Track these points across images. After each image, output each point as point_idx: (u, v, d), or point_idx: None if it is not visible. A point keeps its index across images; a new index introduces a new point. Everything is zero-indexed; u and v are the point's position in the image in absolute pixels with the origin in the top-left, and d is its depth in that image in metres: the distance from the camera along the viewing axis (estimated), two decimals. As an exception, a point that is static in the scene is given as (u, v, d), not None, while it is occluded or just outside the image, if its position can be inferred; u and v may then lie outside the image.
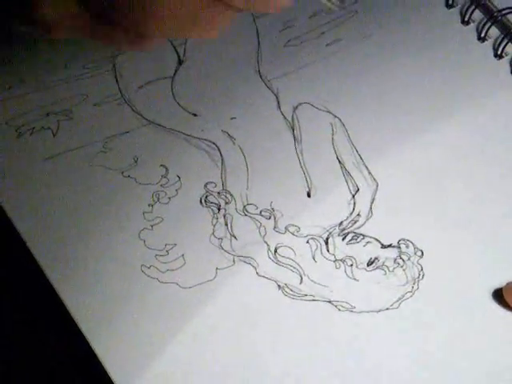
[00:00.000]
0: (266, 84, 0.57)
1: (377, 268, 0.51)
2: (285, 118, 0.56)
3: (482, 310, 0.50)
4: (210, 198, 0.52)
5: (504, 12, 0.60)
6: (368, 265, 0.51)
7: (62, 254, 0.50)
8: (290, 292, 0.50)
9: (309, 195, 0.53)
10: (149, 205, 0.52)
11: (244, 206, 0.52)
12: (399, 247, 0.51)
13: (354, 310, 0.49)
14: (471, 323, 0.49)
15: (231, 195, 0.53)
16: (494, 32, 0.61)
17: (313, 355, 0.48)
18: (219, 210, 0.52)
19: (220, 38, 0.40)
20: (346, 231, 0.52)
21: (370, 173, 0.54)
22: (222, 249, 0.51)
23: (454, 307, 0.50)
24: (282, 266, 0.50)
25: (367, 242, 0.51)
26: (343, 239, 0.51)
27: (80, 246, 0.50)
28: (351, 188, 0.54)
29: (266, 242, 0.51)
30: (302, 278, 0.50)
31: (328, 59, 0.59)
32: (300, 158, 0.54)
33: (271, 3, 0.38)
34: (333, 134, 0.56)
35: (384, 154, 0.55)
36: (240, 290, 0.49)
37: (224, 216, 0.52)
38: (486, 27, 0.60)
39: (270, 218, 0.52)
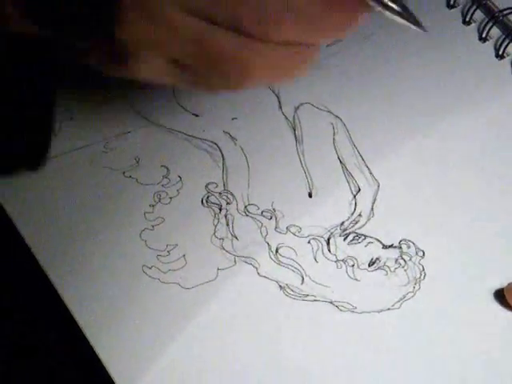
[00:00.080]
0: (266, 84, 0.57)
1: (378, 268, 0.51)
2: (286, 118, 0.56)
3: (483, 310, 0.50)
4: (212, 199, 0.52)
5: (505, 12, 0.60)
6: (369, 265, 0.51)
7: (63, 254, 0.49)
8: (292, 292, 0.50)
9: (310, 195, 0.53)
10: (150, 205, 0.52)
11: (245, 207, 0.52)
12: (400, 247, 0.51)
13: (355, 310, 0.49)
14: (472, 323, 0.49)
15: (232, 195, 0.53)
16: (496, 32, 0.61)
17: (314, 356, 0.48)
18: (220, 210, 0.52)
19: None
20: (348, 231, 0.52)
21: (371, 173, 0.54)
22: (224, 249, 0.51)
23: (455, 307, 0.50)
24: (283, 267, 0.50)
25: (368, 243, 0.51)
26: (344, 239, 0.51)
27: (81, 246, 0.50)
28: (352, 188, 0.53)
29: (267, 243, 0.51)
30: (303, 279, 0.50)
31: (329, 59, 0.59)
32: (301, 158, 0.54)
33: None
34: (334, 134, 0.56)
35: (385, 154, 0.55)
36: (241, 291, 0.49)
37: (225, 216, 0.52)
38: (488, 27, 0.60)
39: (271, 218, 0.52)
